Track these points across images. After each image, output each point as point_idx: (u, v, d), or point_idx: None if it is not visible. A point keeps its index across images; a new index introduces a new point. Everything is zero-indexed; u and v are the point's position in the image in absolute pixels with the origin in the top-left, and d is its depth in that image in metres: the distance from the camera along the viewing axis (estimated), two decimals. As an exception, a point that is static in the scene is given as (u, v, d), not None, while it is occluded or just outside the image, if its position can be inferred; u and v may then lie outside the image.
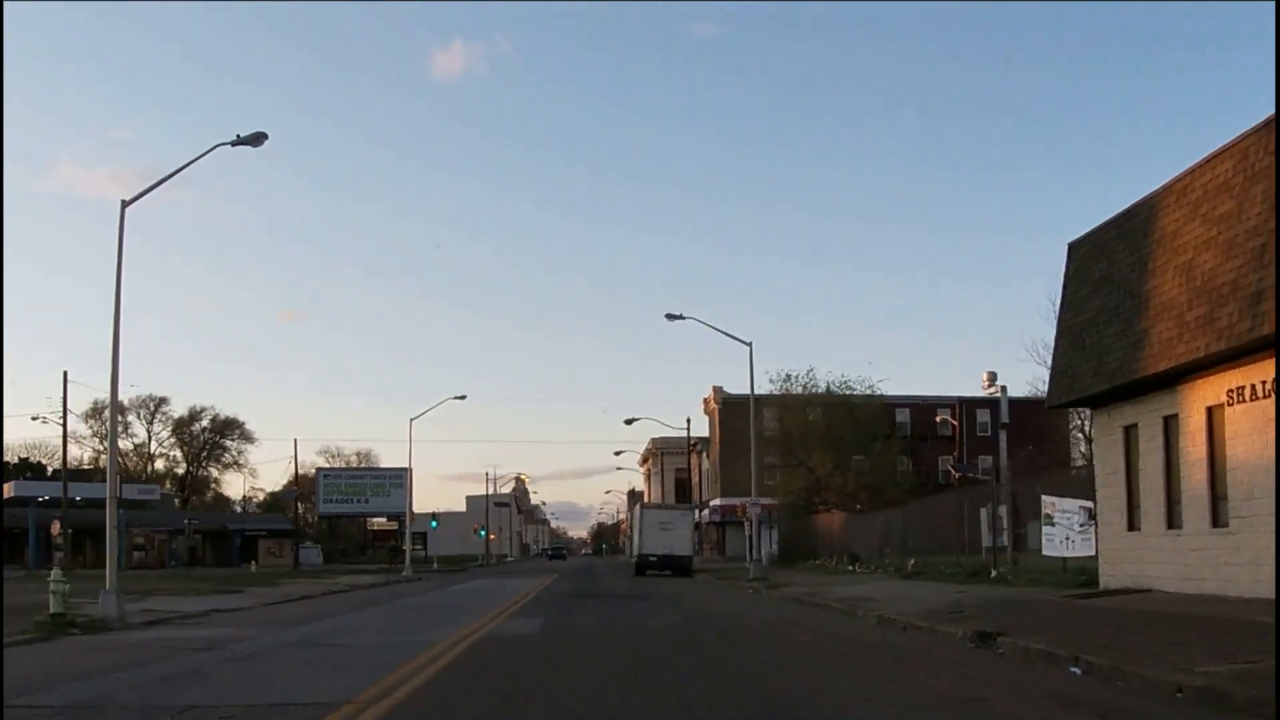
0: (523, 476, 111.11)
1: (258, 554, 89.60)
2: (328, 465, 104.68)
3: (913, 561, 32.21)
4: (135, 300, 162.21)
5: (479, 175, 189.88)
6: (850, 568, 39.13)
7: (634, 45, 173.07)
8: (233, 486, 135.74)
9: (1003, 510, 26.94)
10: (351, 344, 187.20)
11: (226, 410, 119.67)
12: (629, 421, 54.68)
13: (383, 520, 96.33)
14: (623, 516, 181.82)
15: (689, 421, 62.66)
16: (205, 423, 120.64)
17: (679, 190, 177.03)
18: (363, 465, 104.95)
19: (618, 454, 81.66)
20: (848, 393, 51.77)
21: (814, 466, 51.55)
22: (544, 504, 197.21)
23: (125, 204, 21.77)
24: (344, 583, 43.06)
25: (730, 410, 76.60)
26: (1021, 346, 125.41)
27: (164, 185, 22.20)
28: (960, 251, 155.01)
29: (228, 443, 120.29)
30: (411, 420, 55.17)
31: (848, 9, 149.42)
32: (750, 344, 37.22)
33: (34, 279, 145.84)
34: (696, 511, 51.45)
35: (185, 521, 63.95)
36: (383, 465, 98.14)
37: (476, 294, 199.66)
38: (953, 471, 64.45)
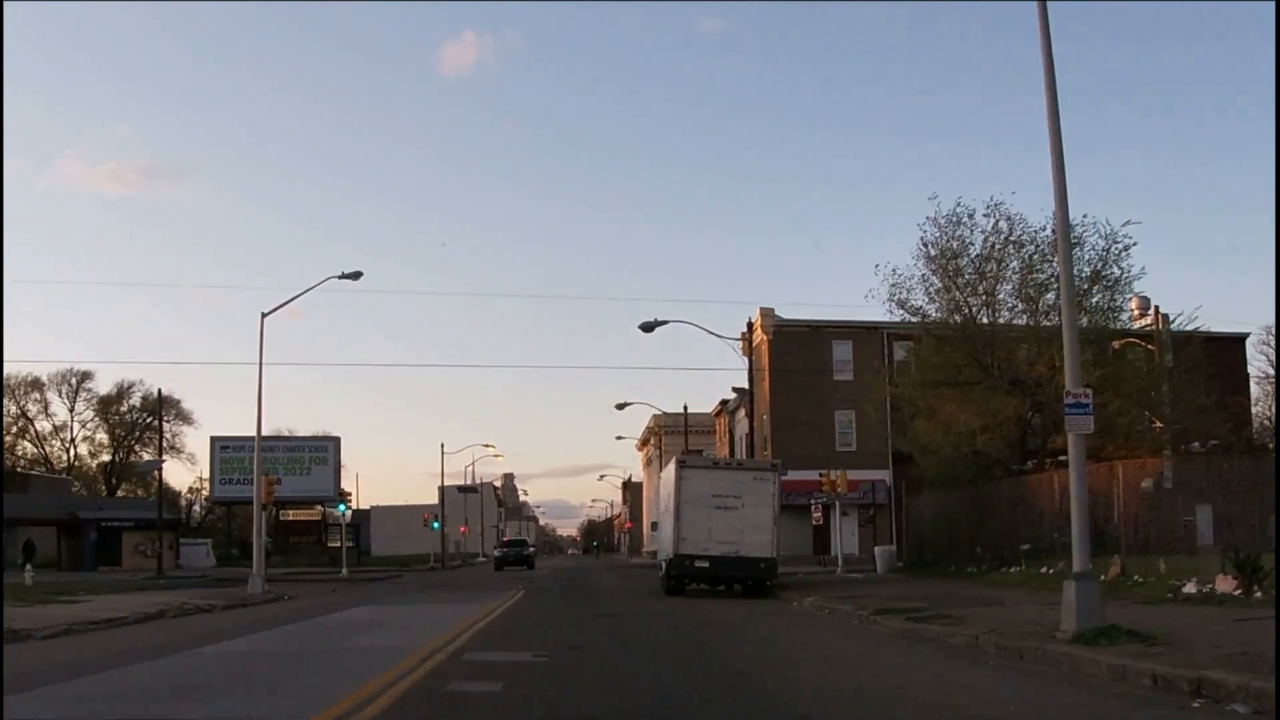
0: (488, 446, 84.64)
1: (121, 552, 66.07)
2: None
3: None
4: (133, 290, 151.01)
5: (487, 166, 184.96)
6: (1233, 589, 15.26)
7: (641, 40, 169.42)
8: (177, 476, 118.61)
9: None
10: (351, 335, 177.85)
11: (160, 386, 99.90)
12: (648, 328, 29.71)
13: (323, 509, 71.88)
14: (618, 511, 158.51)
15: (749, 329, 38.21)
16: (135, 401, 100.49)
17: (685, 179, 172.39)
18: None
19: (620, 407, 56.69)
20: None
21: (1031, 371, 26.79)
22: (525, 493, 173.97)
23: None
24: (66, 618, 19.47)
25: (786, 343, 52.54)
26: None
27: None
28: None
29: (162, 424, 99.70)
30: (264, 315, 31.25)
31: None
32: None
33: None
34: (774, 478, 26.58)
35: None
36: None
37: (478, 282, 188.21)
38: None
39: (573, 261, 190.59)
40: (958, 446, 27.87)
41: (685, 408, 56.43)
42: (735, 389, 59.31)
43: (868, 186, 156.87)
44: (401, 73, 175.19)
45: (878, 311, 52.82)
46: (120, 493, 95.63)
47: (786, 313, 52.77)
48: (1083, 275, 27.07)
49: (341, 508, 46.33)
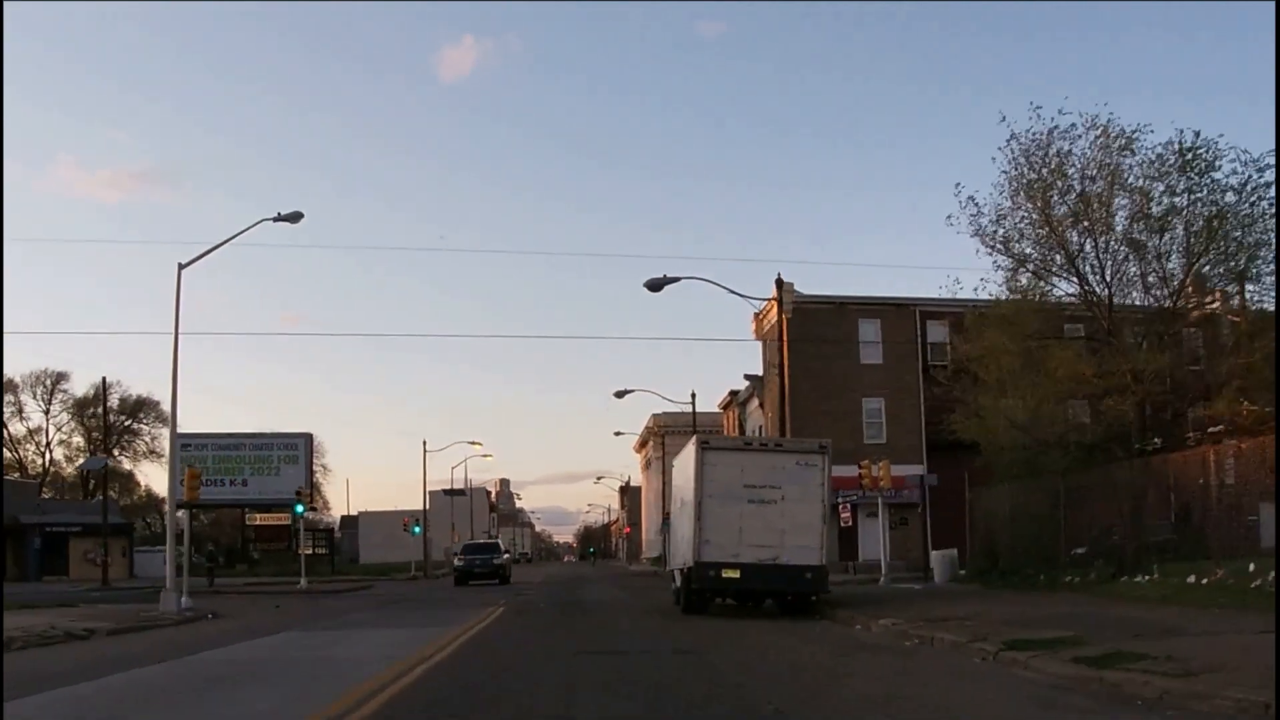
0: (475, 444, 77.90)
1: (68, 560, 60.02)
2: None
3: None
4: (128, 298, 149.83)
5: (485, 170, 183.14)
6: None
7: (640, 43, 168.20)
8: (159, 481, 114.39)
9: None
10: (349, 343, 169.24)
11: (139, 388, 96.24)
12: (655, 285, 23.50)
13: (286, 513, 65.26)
14: (615, 516, 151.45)
15: (778, 287, 31.97)
16: (113, 403, 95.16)
17: (683, 181, 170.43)
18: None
19: (620, 395, 50.45)
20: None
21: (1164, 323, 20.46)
22: (519, 496, 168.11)
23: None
24: None
25: (807, 321, 46.39)
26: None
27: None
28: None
29: (141, 426, 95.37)
30: (181, 267, 25.22)
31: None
32: None
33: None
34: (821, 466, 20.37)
35: None
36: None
37: (479, 281, 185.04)
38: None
39: (571, 261, 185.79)
40: (1062, 420, 21.77)
41: (693, 395, 50.53)
42: (747, 376, 53.34)
43: (889, 158, 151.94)
44: (400, 78, 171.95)
45: (907, 286, 46.73)
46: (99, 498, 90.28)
47: (806, 287, 46.78)
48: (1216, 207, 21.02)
49: (300, 509, 40.23)
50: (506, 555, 47.04)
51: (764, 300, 29.63)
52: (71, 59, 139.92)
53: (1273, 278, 21.31)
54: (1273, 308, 20.18)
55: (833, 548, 44.06)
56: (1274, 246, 20.86)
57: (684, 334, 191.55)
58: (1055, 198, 21.55)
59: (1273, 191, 20.97)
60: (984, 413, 24.77)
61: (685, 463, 22.08)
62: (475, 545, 48.80)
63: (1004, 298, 23.83)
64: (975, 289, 24.80)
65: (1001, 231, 22.24)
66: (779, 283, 29.90)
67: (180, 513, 30.17)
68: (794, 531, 20.19)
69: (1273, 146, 20.69)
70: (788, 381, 45.96)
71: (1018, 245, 22.39)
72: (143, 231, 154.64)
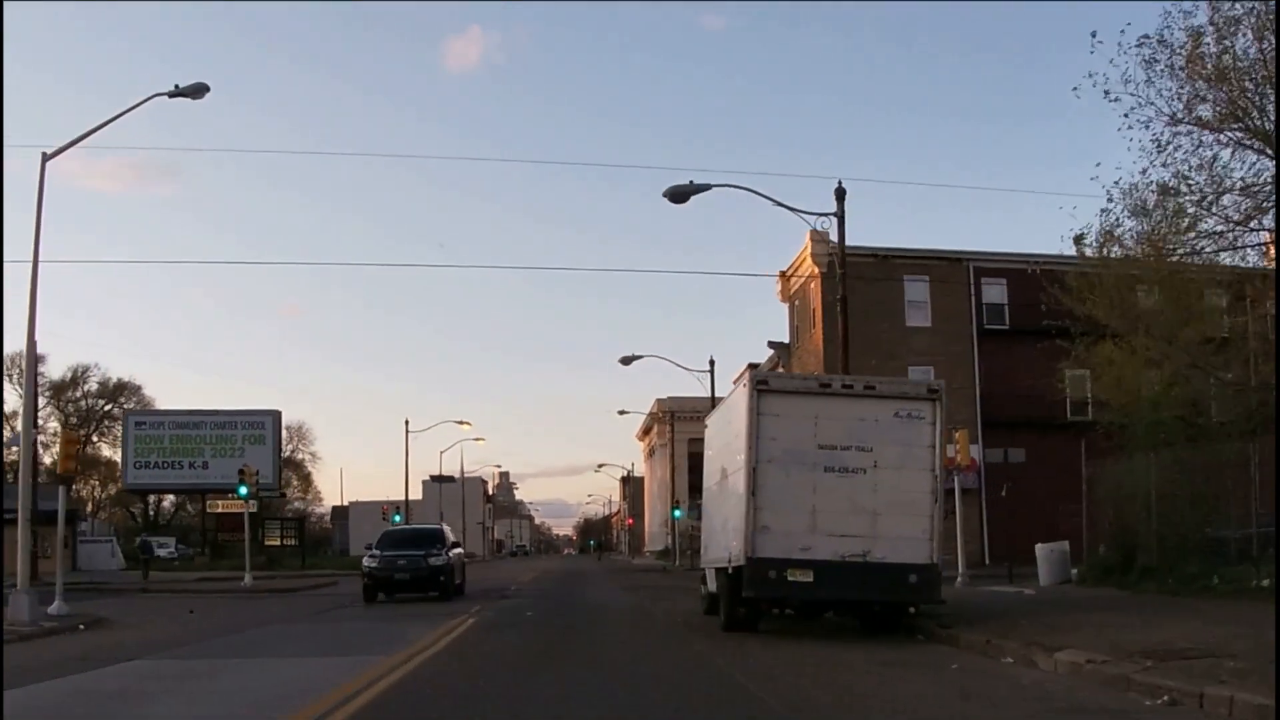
0: (463, 424, 70.62)
1: (2, 550, 53.58)
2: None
3: None
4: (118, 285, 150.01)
5: (486, 166, 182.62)
6: None
7: (644, 37, 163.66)
8: None
9: None
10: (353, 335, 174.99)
11: (120, 371, 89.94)
12: (680, 195, 17.08)
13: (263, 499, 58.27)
14: (615, 507, 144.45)
15: (838, 201, 25.12)
16: (91, 386, 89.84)
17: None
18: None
19: (626, 361, 43.91)
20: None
21: None
22: (516, 486, 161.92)
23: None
24: None
25: (848, 274, 39.63)
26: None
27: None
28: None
29: (121, 411, 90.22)
30: (46, 157, 18.89)
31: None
32: None
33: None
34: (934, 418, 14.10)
35: None
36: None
37: (474, 292, 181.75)
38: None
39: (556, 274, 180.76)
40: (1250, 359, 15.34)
41: (711, 363, 43.77)
42: (771, 344, 46.88)
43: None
44: (406, 68, 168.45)
45: (961, 237, 40.22)
46: (78, 485, 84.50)
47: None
48: None
49: (243, 491, 33.83)
50: (456, 550, 27.21)
51: (816, 215, 22.94)
52: (72, 49, 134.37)
53: None
54: None
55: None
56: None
57: (698, 299, 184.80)
58: (1249, 35, 15.06)
59: None
60: (1119, 360, 18.32)
61: (730, 414, 15.65)
62: (399, 534, 28.65)
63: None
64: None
65: (1178, 87, 15.69)
66: (839, 193, 23.34)
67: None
68: (892, 514, 13.80)
69: None
70: (817, 358, 39.59)
71: (1193, 107, 15.89)
72: (142, 225, 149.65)
